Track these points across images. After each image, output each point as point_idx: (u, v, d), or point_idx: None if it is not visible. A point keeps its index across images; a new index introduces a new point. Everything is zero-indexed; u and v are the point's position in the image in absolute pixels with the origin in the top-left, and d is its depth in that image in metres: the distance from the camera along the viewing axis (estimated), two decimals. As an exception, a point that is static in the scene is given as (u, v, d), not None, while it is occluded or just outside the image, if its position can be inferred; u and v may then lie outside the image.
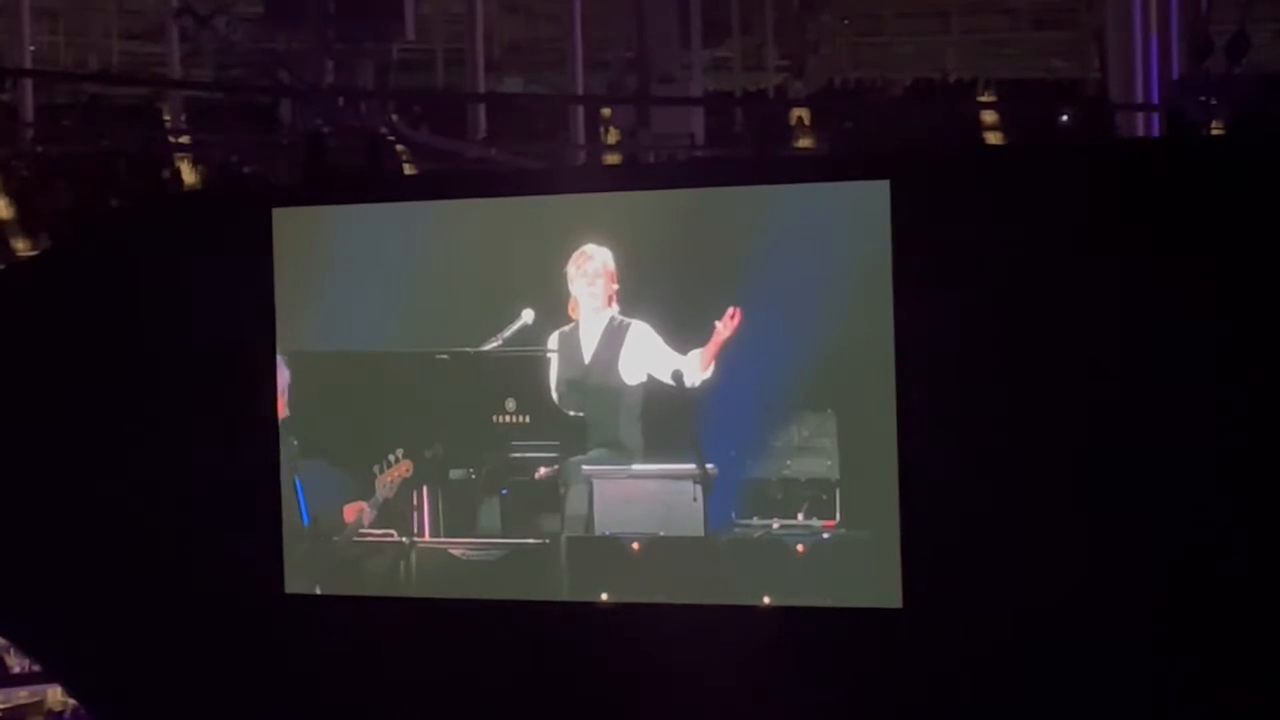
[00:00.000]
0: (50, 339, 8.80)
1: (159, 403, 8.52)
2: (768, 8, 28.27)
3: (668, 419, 7.82)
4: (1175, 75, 16.75)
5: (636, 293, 7.87)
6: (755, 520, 7.76)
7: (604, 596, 7.98)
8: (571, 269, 7.91)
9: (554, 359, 7.98)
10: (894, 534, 7.52)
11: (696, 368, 7.74)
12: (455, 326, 8.10)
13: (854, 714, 7.73)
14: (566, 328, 7.96)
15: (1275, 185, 7.19)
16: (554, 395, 7.99)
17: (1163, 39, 17.21)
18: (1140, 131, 16.50)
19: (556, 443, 7.98)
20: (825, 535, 7.67)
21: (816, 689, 7.69)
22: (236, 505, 8.41)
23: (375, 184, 9.57)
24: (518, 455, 8.03)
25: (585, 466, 7.93)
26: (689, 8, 21.75)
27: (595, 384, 7.92)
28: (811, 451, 7.66)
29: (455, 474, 8.13)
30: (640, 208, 8.01)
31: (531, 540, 8.03)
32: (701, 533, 7.80)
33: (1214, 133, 11.97)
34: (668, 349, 7.80)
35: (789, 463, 7.68)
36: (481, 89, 21.95)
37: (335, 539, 8.29)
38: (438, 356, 8.12)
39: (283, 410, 8.33)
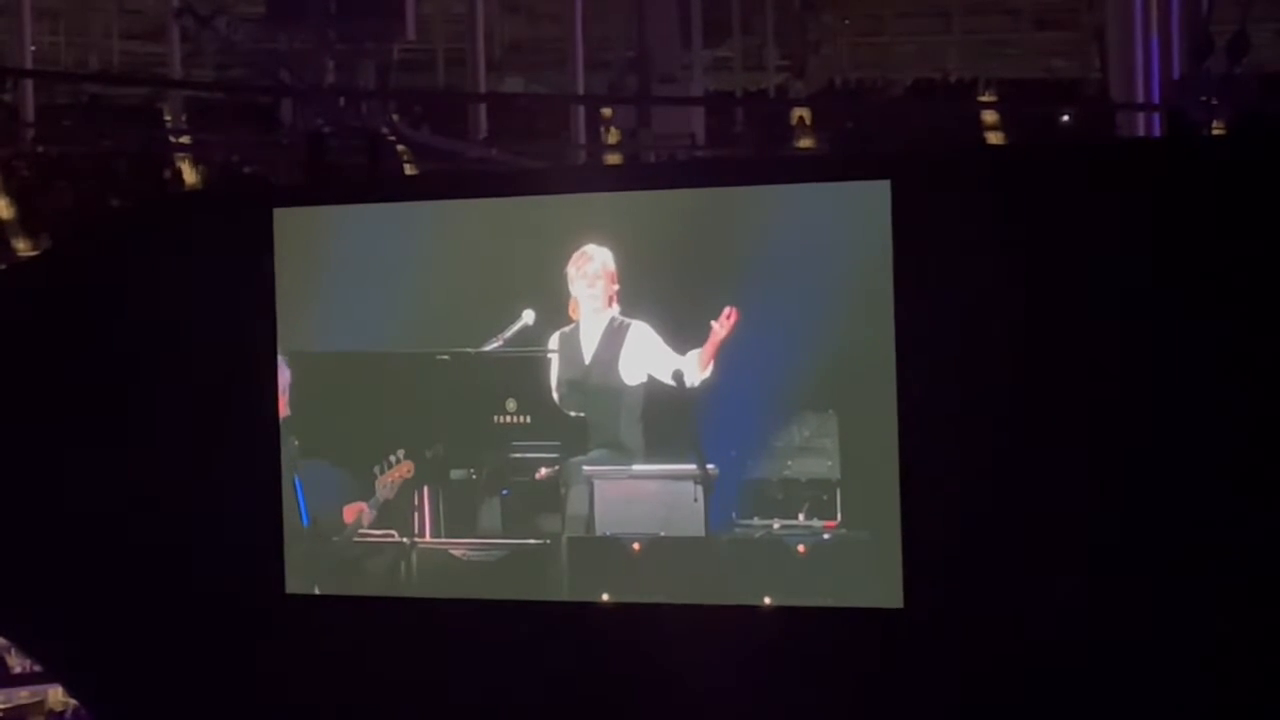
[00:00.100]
0: (51, 339, 8.80)
1: (160, 403, 8.52)
2: (768, 8, 28.29)
3: (668, 419, 7.82)
4: (1176, 75, 16.76)
5: (637, 293, 7.87)
6: (756, 520, 7.76)
7: (605, 597, 7.98)
8: (571, 270, 7.90)
9: (554, 359, 7.97)
10: (895, 534, 7.51)
11: (695, 368, 7.74)
12: (456, 327, 8.10)
13: (855, 714, 7.72)
14: (567, 328, 7.96)
15: (1276, 185, 7.18)
16: (555, 396, 7.99)
17: (1163, 39, 17.22)
18: (1141, 131, 16.52)
19: (557, 443, 7.97)
20: (826, 535, 7.67)
21: (817, 689, 7.69)
22: (237, 505, 8.41)
23: (376, 184, 9.60)
24: (518, 455, 8.03)
25: (586, 467, 7.93)
26: (690, 8, 21.77)
27: (596, 384, 7.92)
28: (812, 452, 7.66)
29: (456, 474, 8.13)
30: (641, 208, 8.01)
31: (532, 540, 8.02)
32: (702, 533, 7.80)
33: (1214, 133, 11.98)
34: (668, 349, 7.80)
35: (790, 463, 7.68)
36: (482, 89, 21.97)
37: (335, 539, 8.29)
38: (438, 357, 8.12)
39: (284, 410, 8.33)
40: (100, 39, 29.72)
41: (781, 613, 7.73)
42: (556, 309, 7.94)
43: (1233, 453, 7.09)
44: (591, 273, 7.88)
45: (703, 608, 7.83)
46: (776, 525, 7.73)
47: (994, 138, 16.75)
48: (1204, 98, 12.42)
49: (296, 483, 8.32)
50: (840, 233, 7.59)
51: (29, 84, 21.40)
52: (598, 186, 8.47)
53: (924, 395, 7.44)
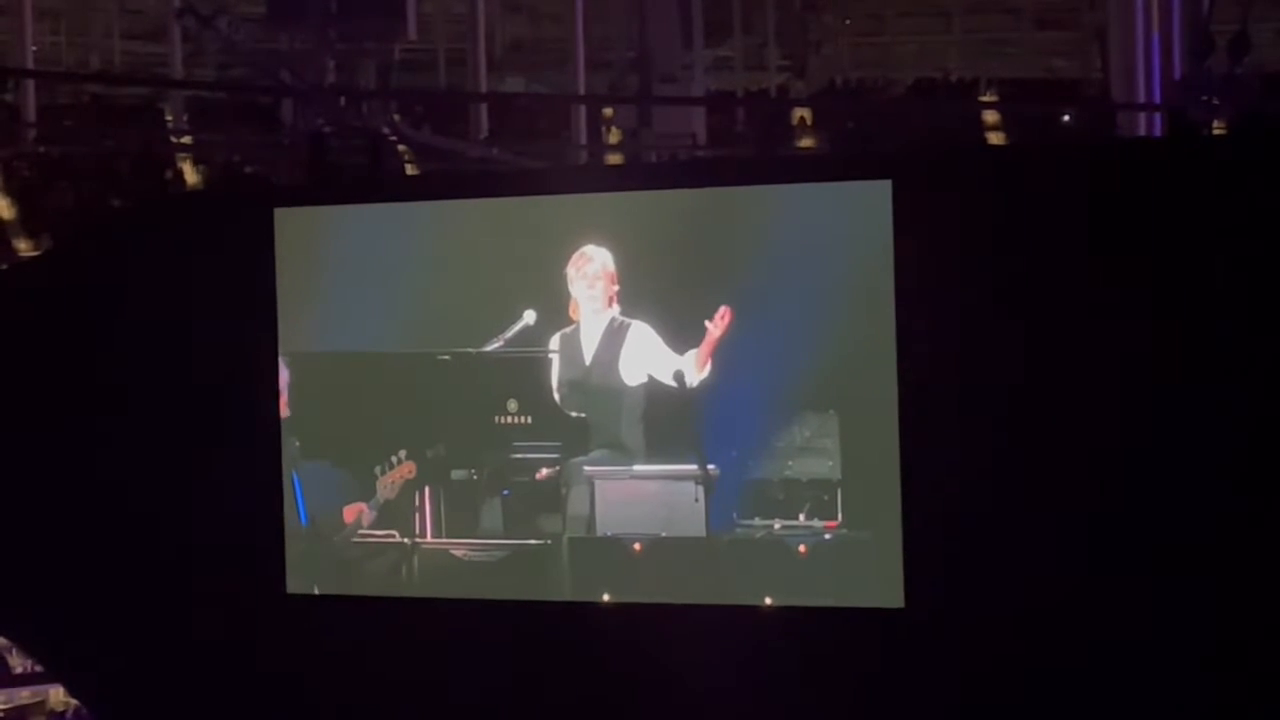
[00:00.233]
0: (52, 339, 8.80)
1: (160, 403, 8.52)
2: (769, 7, 28.28)
3: (669, 419, 7.82)
4: (1177, 75, 16.75)
5: (637, 293, 7.87)
6: (757, 521, 7.76)
7: (606, 597, 7.98)
8: (571, 271, 7.91)
9: (555, 360, 7.98)
10: (896, 534, 7.51)
11: (693, 368, 7.74)
12: (457, 327, 8.10)
13: (855, 714, 7.73)
14: (568, 329, 7.96)
15: (1277, 185, 7.18)
16: (556, 396, 7.99)
17: (1164, 39, 17.22)
18: (1142, 131, 16.50)
19: (558, 443, 7.98)
20: (827, 536, 7.67)
21: (818, 689, 7.69)
22: (237, 505, 8.42)
23: (377, 184, 9.59)
24: (519, 456, 8.03)
25: (587, 467, 7.93)
26: (691, 7, 21.74)
27: (596, 385, 7.92)
28: (813, 452, 7.66)
29: (457, 474, 8.13)
30: (641, 208, 8.01)
31: (533, 541, 8.03)
32: (703, 533, 7.80)
33: (1215, 132, 11.98)
34: (668, 350, 7.80)
35: (791, 463, 7.68)
36: (483, 89, 21.97)
37: (335, 539, 8.29)
38: (439, 357, 8.12)
39: (284, 410, 8.33)
40: (101, 39, 29.72)
41: (782, 613, 7.73)
42: (557, 309, 7.95)
43: (1233, 453, 7.09)
44: (591, 273, 7.88)
45: (704, 608, 7.83)
46: (777, 525, 7.73)
47: (995, 138, 16.71)
48: (1205, 98, 12.42)
49: (295, 482, 8.33)
50: (841, 232, 7.59)
51: (30, 84, 21.39)
52: (598, 186, 8.47)
53: (925, 395, 7.45)
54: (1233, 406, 7.09)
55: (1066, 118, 20.59)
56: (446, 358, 8.10)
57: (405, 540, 8.19)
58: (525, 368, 7.99)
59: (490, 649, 8.12)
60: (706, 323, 7.69)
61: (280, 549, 8.36)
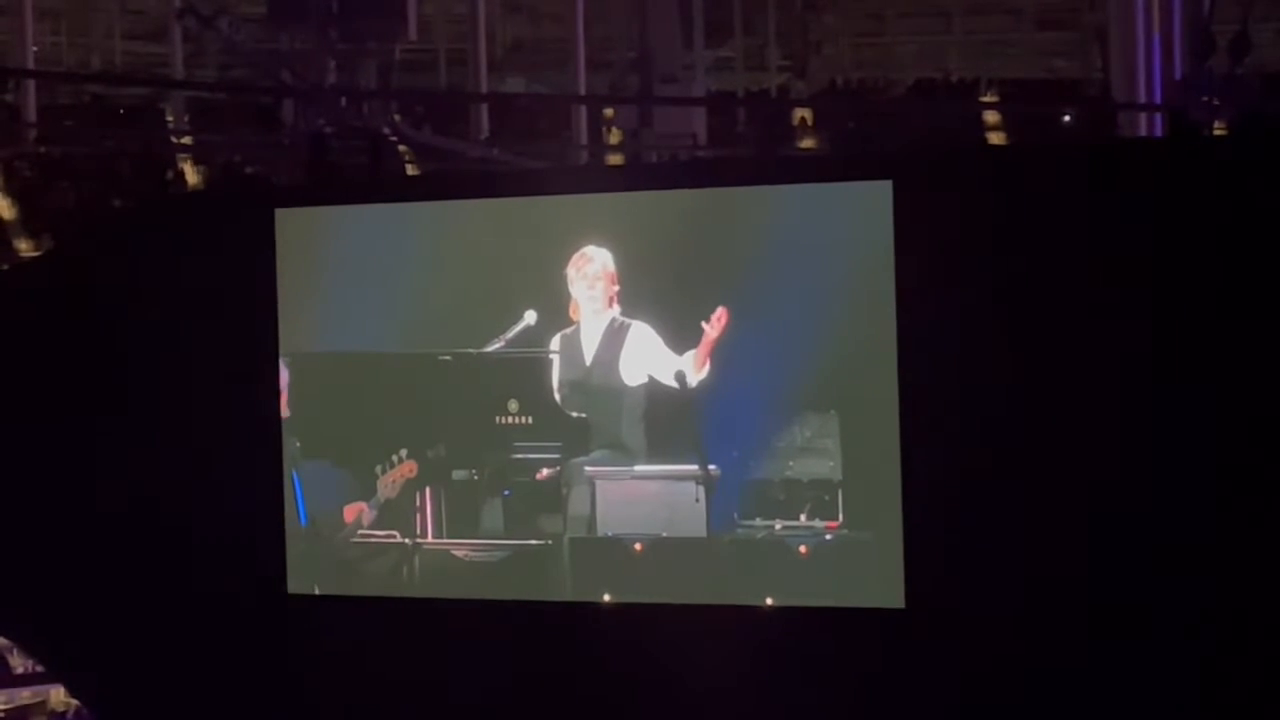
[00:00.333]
0: (53, 339, 8.80)
1: (161, 403, 8.53)
2: (770, 8, 28.25)
3: (670, 420, 7.82)
4: (1177, 75, 16.74)
5: (637, 294, 7.87)
6: (758, 521, 7.76)
7: (607, 597, 7.98)
8: (571, 271, 7.91)
9: (556, 360, 7.98)
10: (896, 535, 7.52)
11: (692, 369, 7.74)
12: (458, 327, 8.11)
13: (856, 714, 7.73)
14: (568, 329, 7.96)
15: (1277, 185, 7.18)
16: (556, 396, 7.99)
17: (1165, 39, 17.21)
18: (1142, 131, 16.48)
19: (559, 444, 7.98)
20: (828, 536, 7.67)
21: (819, 690, 7.69)
22: (237, 505, 8.42)
23: (378, 184, 9.59)
24: (520, 456, 8.03)
25: (588, 467, 7.94)
26: (691, 8, 21.73)
27: (597, 385, 7.93)
28: (814, 452, 7.66)
29: (458, 475, 8.13)
30: (642, 208, 8.02)
31: (534, 541, 8.03)
32: (704, 533, 7.80)
33: (1216, 133, 11.98)
34: (668, 350, 7.80)
35: (791, 463, 7.68)
36: (484, 89, 21.94)
37: (335, 539, 8.30)
38: (440, 357, 8.12)
39: (284, 410, 8.33)
40: (102, 39, 29.69)
41: (783, 613, 7.73)
42: (558, 310, 7.95)
43: (1233, 453, 7.09)
44: (591, 274, 7.88)
45: (704, 608, 7.83)
46: (778, 526, 7.73)
47: (995, 138, 16.71)
48: (1205, 98, 12.43)
49: (296, 482, 8.33)
50: (842, 233, 7.60)
51: (31, 84, 21.37)
52: (598, 187, 8.48)
53: (926, 395, 7.45)
54: (1233, 406, 7.09)
55: (1067, 118, 20.59)
56: (447, 358, 8.11)
57: (406, 540, 8.19)
58: (526, 368, 8.00)
59: (491, 649, 8.12)
60: (703, 324, 7.69)
61: (280, 549, 8.36)
